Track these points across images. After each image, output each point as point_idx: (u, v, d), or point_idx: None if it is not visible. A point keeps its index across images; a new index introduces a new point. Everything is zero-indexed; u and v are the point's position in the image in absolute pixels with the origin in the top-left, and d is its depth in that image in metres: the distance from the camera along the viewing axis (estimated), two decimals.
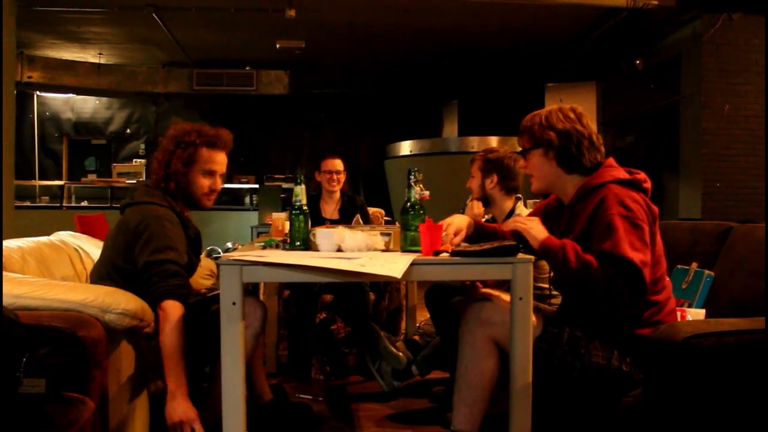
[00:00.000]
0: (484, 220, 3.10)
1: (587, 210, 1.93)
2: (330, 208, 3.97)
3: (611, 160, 2.04)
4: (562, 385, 1.93)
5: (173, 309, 2.03)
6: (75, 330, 1.73)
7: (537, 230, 1.95)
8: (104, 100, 10.22)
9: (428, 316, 2.94)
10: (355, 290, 3.44)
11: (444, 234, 2.05)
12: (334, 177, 3.90)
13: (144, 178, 9.01)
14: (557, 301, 2.53)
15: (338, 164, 3.92)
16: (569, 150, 2.00)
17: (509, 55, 8.46)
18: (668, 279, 2.06)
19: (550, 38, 7.73)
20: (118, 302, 1.92)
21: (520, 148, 2.16)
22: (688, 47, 6.75)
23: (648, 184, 1.99)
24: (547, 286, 2.64)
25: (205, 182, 2.35)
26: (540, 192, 2.15)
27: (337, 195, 3.99)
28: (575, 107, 2.06)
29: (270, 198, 8.02)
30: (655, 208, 1.94)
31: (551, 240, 1.90)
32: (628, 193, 1.90)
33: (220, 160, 2.37)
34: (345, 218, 3.78)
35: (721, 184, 6.48)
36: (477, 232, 2.22)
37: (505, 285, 2.11)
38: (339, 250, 2.02)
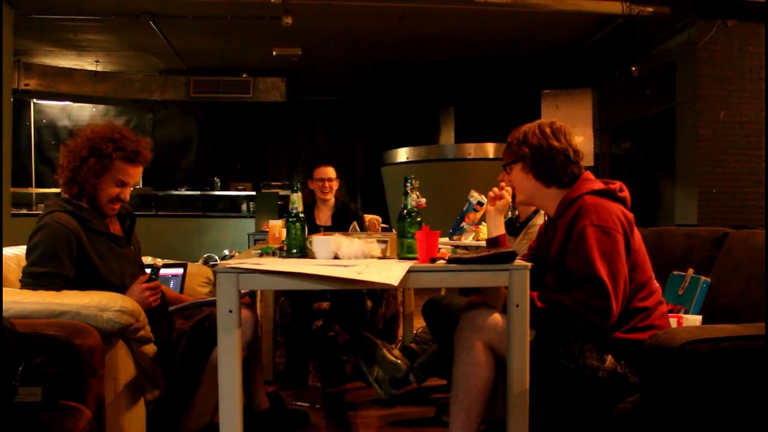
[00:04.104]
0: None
1: (564, 224, 2.00)
2: (324, 216, 3.99)
3: (588, 174, 2.11)
4: (558, 388, 1.93)
5: None
6: (71, 338, 1.74)
7: None
8: (101, 107, 10.20)
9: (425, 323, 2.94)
10: (352, 297, 3.43)
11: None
12: (326, 184, 3.93)
13: (141, 186, 8.99)
14: None
15: (330, 172, 3.96)
16: (542, 165, 2.07)
17: (506, 61, 8.49)
18: (657, 284, 2.08)
19: (547, 45, 7.76)
20: (115, 301, 1.96)
21: None
22: (683, 54, 6.77)
23: (624, 193, 2.05)
24: None
25: (114, 191, 2.23)
26: (523, 204, 2.26)
27: (331, 202, 4.01)
28: (555, 123, 2.13)
29: (267, 205, 8.00)
30: (631, 215, 1.99)
31: None
32: (602, 202, 1.96)
33: (134, 174, 2.26)
34: (338, 225, 3.80)
35: (717, 190, 6.49)
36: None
37: None
38: (336, 257, 2.02)
